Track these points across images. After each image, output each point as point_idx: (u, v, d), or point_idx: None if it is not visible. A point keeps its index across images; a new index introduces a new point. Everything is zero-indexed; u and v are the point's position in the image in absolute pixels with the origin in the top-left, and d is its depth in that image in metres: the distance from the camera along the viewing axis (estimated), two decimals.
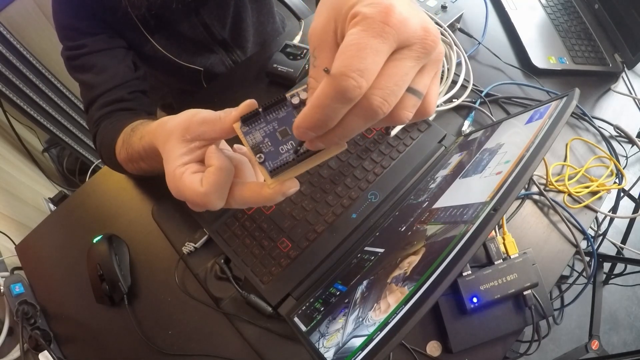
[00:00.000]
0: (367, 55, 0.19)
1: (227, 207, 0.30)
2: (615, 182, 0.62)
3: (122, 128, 0.51)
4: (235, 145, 0.33)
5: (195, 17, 0.65)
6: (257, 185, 0.28)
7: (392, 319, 0.33)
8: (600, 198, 0.60)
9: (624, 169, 0.63)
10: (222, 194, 0.28)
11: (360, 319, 0.37)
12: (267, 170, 0.26)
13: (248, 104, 0.27)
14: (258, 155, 0.26)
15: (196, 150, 0.30)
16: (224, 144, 0.33)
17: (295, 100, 0.25)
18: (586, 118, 0.66)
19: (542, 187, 0.60)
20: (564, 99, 0.42)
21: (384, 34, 0.19)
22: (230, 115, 0.28)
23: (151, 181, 0.60)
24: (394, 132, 0.59)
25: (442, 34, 0.68)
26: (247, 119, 0.26)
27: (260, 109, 0.26)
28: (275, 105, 0.25)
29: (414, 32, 0.20)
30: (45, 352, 0.48)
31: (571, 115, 0.60)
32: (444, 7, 0.70)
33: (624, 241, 1.13)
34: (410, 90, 0.22)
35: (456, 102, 0.64)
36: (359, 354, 0.33)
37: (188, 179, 0.29)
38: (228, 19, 0.69)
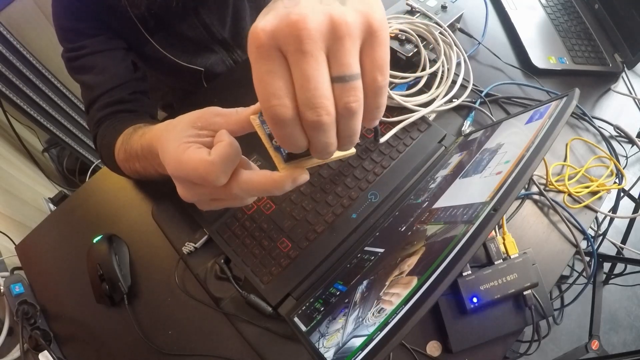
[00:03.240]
0: (267, 80, 0.20)
1: (228, 200, 0.30)
2: (615, 182, 0.62)
3: (122, 130, 0.51)
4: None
5: (195, 17, 0.65)
6: (267, 172, 0.28)
7: (392, 319, 0.33)
8: (600, 198, 0.60)
9: (624, 169, 0.63)
10: (228, 167, 0.27)
11: (360, 319, 0.37)
12: (282, 155, 0.25)
13: None
14: (273, 141, 0.26)
15: (204, 137, 0.30)
16: None
17: None
18: (586, 118, 0.66)
19: (542, 187, 0.60)
20: (564, 99, 0.42)
21: (262, 54, 0.20)
22: (248, 109, 0.28)
23: (151, 181, 0.60)
24: (382, 140, 0.59)
25: (442, 33, 0.68)
26: None
27: None
28: None
29: (282, 33, 0.20)
30: (45, 352, 0.48)
31: (571, 115, 0.60)
32: (444, 7, 0.70)
33: (624, 241, 1.13)
34: (333, 80, 0.21)
35: (456, 102, 0.64)
36: (359, 354, 0.33)
37: (194, 151, 0.28)
38: (228, 18, 0.69)
